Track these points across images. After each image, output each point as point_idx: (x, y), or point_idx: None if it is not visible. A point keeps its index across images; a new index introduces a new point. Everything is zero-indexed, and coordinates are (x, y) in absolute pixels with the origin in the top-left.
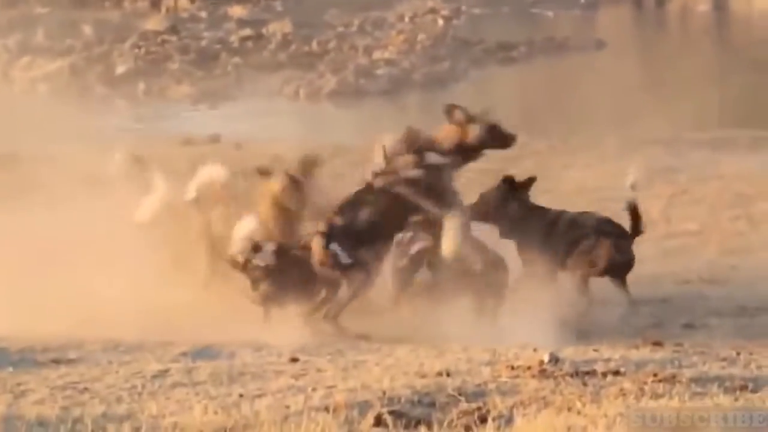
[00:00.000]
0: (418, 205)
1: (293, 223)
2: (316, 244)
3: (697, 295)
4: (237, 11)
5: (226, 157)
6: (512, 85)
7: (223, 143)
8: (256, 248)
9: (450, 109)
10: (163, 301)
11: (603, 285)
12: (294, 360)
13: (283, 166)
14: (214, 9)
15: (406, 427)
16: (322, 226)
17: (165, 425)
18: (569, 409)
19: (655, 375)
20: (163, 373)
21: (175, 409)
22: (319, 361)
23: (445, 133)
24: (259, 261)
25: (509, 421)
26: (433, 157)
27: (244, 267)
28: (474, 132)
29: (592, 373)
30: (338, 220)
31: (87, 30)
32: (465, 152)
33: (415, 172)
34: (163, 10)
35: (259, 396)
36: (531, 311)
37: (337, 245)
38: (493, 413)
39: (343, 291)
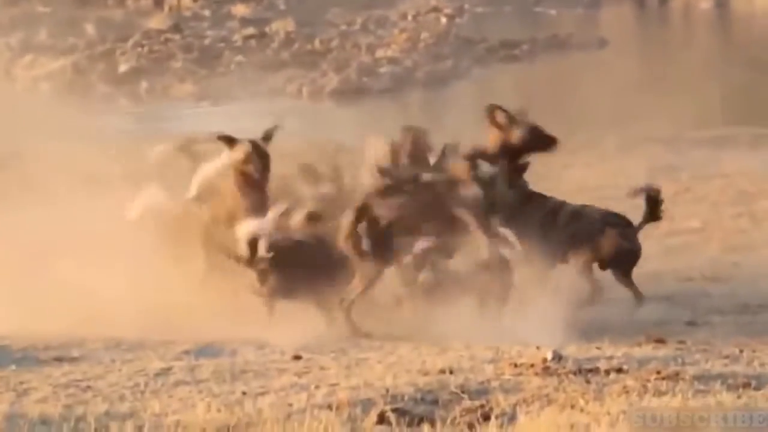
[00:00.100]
0: (458, 218)
1: (261, 195)
2: (347, 218)
3: (700, 293)
4: (240, 10)
5: None
6: (515, 84)
7: None
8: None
9: (492, 110)
10: (164, 299)
11: (608, 283)
12: (297, 358)
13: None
14: (217, 7)
15: (409, 424)
16: (359, 203)
17: (168, 423)
18: (572, 407)
19: (658, 372)
20: (166, 371)
21: (177, 407)
22: (322, 358)
23: (490, 139)
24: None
25: (512, 418)
26: (485, 167)
27: (251, 261)
28: (517, 134)
29: (595, 370)
30: (375, 203)
31: (89, 28)
32: (510, 155)
33: (473, 192)
34: (166, 8)
35: (262, 394)
36: (534, 309)
37: (364, 226)
38: (496, 411)
39: (356, 281)
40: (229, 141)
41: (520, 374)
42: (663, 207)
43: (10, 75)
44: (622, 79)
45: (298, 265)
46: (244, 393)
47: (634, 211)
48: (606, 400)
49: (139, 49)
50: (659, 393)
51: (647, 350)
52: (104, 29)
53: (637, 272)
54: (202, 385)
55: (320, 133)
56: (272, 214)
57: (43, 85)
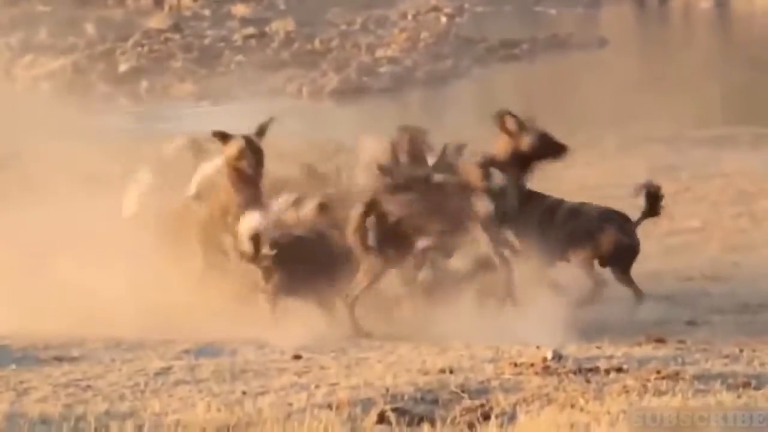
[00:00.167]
0: (462, 220)
1: (254, 191)
2: (356, 212)
3: (700, 292)
4: (240, 9)
5: None
6: (515, 83)
7: None
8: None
9: (501, 116)
10: (163, 299)
11: (608, 282)
12: (297, 357)
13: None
14: (218, 7)
15: (409, 424)
16: (368, 197)
17: (168, 423)
18: (572, 406)
19: (658, 372)
20: (166, 371)
21: (177, 407)
22: (322, 358)
23: (499, 146)
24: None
25: (512, 418)
26: (497, 177)
27: (255, 259)
28: (527, 141)
29: (595, 370)
30: (385, 199)
31: (90, 28)
32: (520, 163)
33: (486, 207)
34: (166, 8)
35: (262, 393)
36: (534, 308)
37: (372, 221)
38: (496, 410)
39: (360, 277)
40: (223, 137)
41: (520, 374)
42: (662, 203)
43: (10, 75)
44: (622, 79)
45: (300, 261)
46: (244, 392)
47: (634, 210)
48: (606, 399)
49: (139, 48)
50: (659, 392)
51: (647, 350)
52: (104, 29)
53: (637, 272)
54: (202, 384)
55: (320, 133)
56: (283, 202)
57: (43, 85)
